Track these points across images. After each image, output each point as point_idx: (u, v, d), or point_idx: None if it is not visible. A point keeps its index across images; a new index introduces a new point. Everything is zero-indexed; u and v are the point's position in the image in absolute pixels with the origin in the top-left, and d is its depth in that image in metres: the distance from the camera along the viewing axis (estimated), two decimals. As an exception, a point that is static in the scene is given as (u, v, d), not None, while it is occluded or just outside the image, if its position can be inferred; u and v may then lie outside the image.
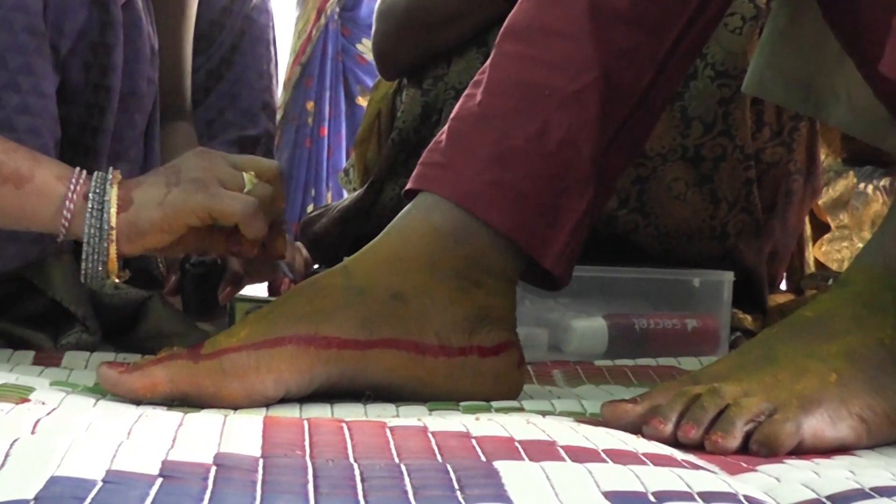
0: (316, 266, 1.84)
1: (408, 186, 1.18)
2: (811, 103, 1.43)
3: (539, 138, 1.14)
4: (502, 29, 1.21)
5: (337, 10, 4.13)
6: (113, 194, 1.16)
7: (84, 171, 1.19)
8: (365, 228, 1.76)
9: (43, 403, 0.98)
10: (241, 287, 1.48)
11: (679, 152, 1.69)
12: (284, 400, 1.06)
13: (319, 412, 1.05)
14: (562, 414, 1.07)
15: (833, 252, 2.01)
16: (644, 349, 1.57)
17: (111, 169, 1.19)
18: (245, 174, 1.19)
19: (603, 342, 1.56)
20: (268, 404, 1.05)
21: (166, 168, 1.21)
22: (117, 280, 1.19)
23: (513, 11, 1.22)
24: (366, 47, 4.14)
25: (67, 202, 1.17)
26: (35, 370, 1.20)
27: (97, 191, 1.16)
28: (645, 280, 1.64)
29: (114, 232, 1.15)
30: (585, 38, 1.16)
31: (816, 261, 1.99)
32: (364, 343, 1.08)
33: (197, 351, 1.05)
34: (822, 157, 2.04)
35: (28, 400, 0.99)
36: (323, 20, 4.12)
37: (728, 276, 1.63)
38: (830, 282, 1.41)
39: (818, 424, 0.94)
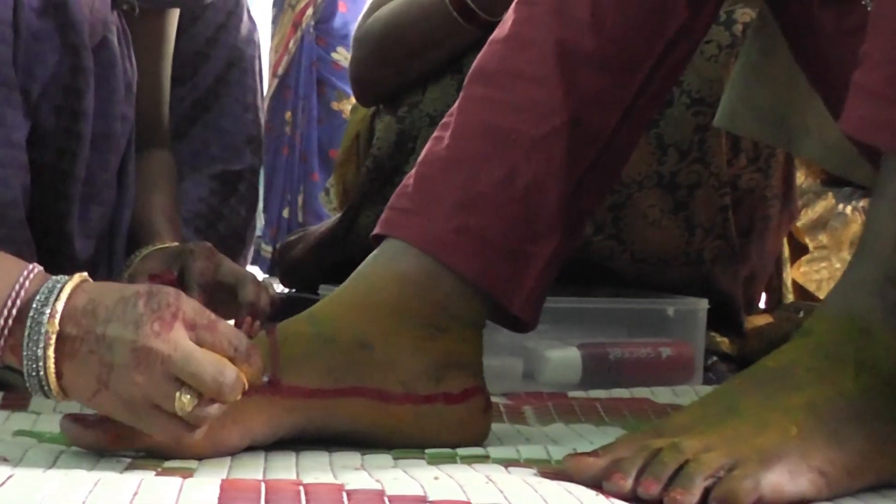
0: (292, 290, 1.87)
1: (375, 231, 1.19)
2: (783, 137, 1.46)
3: (506, 184, 1.15)
4: (470, 71, 1.23)
5: (312, 22, 4.23)
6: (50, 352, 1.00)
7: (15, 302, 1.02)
8: (340, 255, 1.79)
9: (5, 460, 1.00)
10: None
11: (655, 179, 1.71)
12: (250, 449, 1.07)
13: (284, 461, 1.06)
14: (527, 462, 1.08)
15: (812, 273, 2.04)
16: (618, 378, 1.59)
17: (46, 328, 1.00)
18: (185, 397, 0.99)
19: (577, 372, 1.58)
20: (232, 454, 1.06)
21: (101, 356, 1.00)
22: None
23: (481, 53, 1.23)
24: (341, 55, 4.27)
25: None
26: (2, 416, 1.21)
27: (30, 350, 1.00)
28: (620, 309, 1.66)
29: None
30: (553, 83, 1.18)
31: (795, 282, 2.01)
32: (330, 392, 1.09)
33: None
34: (802, 178, 2.07)
35: (-9, 456, 1.00)
36: (299, 33, 4.21)
37: (703, 304, 1.65)
38: (801, 314, 1.43)
39: (777, 479, 0.95)
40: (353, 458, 1.08)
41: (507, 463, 1.06)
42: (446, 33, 1.76)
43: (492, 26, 1.69)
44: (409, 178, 1.20)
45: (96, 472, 0.96)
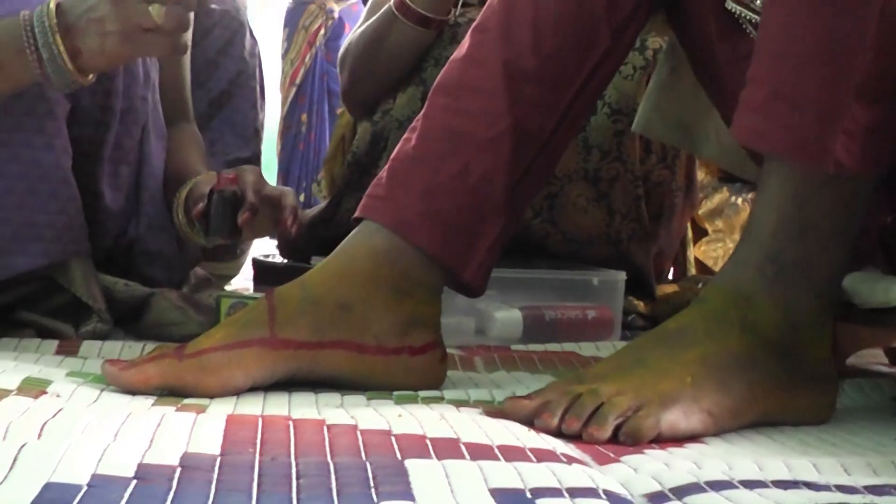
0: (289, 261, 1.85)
1: (356, 214, 1.17)
2: (687, 141, 1.44)
3: (461, 177, 1.14)
4: (434, 85, 1.21)
5: (324, 40, 4.20)
6: (61, 47, 1.20)
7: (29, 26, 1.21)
8: (328, 233, 1.76)
9: (58, 395, 0.99)
10: (256, 215, 1.40)
11: (581, 173, 1.70)
12: (252, 389, 1.07)
13: (279, 399, 1.05)
14: (475, 403, 1.08)
15: (710, 251, 2.02)
16: (553, 335, 1.56)
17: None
18: (153, 8, 1.18)
19: (519, 329, 1.55)
20: (238, 393, 1.06)
21: (94, 15, 1.20)
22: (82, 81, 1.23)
23: (442, 71, 1.21)
24: (342, 60, 4.23)
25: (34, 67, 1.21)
26: (56, 360, 1.20)
27: (45, 45, 1.20)
28: (554, 279, 1.63)
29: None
30: (499, 94, 1.16)
31: (696, 259, 2.00)
32: (316, 344, 1.09)
33: (181, 351, 1.05)
34: (702, 175, 2.05)
35: (45, 392, 0.99)
36: (314, 49, 4.19)
37: (621, 276, 1.63)
38: (700, 285, 1.42)
39: (674, 419, 0.96)
40: (334, 398, 1.07)
41: (459, 404, 1.06)
42: (402, 40, 1.72)
43: (436, 24, 1.69)
44: (383, 172, 1.18)
45: (128, 407, 0.96)
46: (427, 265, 1.14)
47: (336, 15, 4.24)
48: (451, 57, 1.22)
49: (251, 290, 1.55)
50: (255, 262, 1.89)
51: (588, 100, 1.21)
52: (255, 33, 1.88)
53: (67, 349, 1.28)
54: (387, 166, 1.18)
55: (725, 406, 0.99)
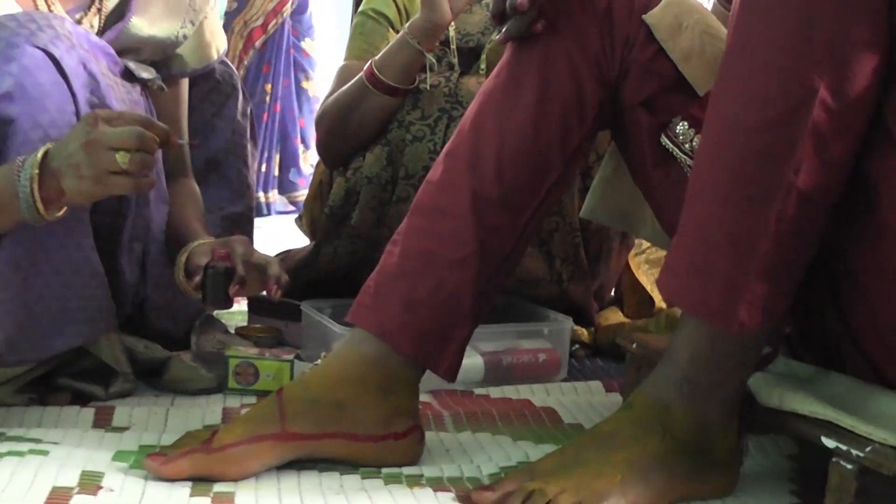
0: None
1: (348, 318, 1.39)
2: (628, 225, 1.65)
3: (434, 293, 1.36)
4: (413, 204, 1.42)
5: (290, 12, 4.28)
6: (36, 193, 1.36)
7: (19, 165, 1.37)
8: (310, 276, 1.99)
9: (111, 490, 1.23)
10: (244, 287, 1.60)
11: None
12: (268, 470, 1.31)
13: (290, 478, 1.30)
14: (449, 480, 1.32)
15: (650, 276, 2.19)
16: (509, 377, 1.79)
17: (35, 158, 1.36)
18: (119, 155, 1.34)
19: (480, 373, 1.77)
20: (256, 476, 1.29)
21: (71, 158, 1.35)
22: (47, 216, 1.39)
23: (419, 192, 1.42)
24: (307, 45, 4.34)
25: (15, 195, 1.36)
26: (98, 435, 1.43)
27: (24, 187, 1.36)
28: (512, 331, 1.85)
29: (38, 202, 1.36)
30: (466, 219, 1.37)
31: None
32: (318, 435, 1.32)
33: (209, 445, 1.28)
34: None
35: (101, 487, 1.23)
36: (279, 19, 4.26)
37: (568, 324, 1.86)
38: (635, 345, 1.62)
39: (606, 511, 1.21)
40: (334, 478, 1.31)
41: (436, 485, 1.30)
42: (372, 106, 1.92)
43: (402, 93, 1.91)
44: (370, 281, 1.40)
45: (169, 499, 1.21)
46: (407, 366, 1.37)
47: None
48: (427, 177, 1.43)
49: (254, 350, 1.73)
50: (250, 297, 2.09)
51: (542, 217, 1.43)
52: (246, 94, 2.02)
53: (103, 419, 1.51)
54: (374, 276, 1.40)
55: (648, 497, 1.23)
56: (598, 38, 1.40)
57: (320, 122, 2.01)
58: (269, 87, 4.28)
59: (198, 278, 1.59)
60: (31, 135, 1.38)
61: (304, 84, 4.39)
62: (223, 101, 1.94)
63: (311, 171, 4.59)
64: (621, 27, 1.41)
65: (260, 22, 4.29)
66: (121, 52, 1.60)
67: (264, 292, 1.60)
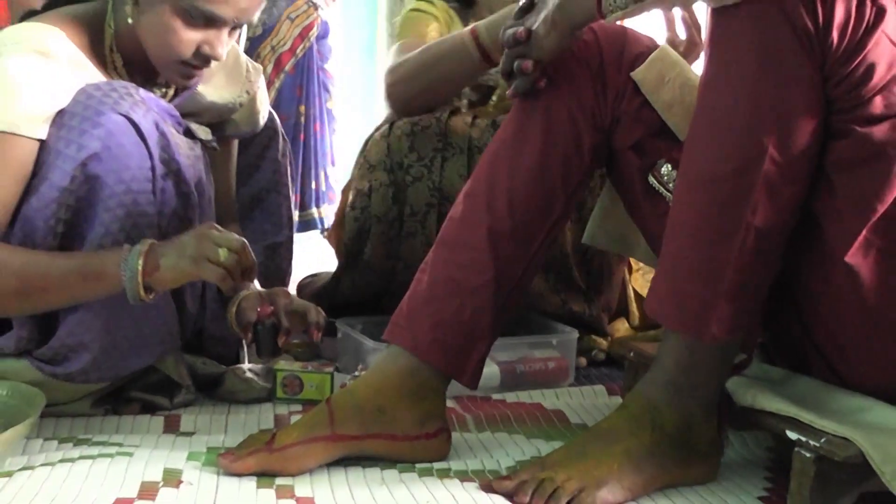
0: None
1: (385, 336, 1.64)
2: (624, 248, 1.87)
3: (458, 313, 1.61)
4: (438, 237, 1.66)
5: (315, 38, 4.51)
6: (140, 265, 1.58)
7: (127, 250, 1.59)
8: (333, 303, 2.23)
9: (191, 483, 1.48)
10: (290, 336, 1.86)
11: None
12: (321, 467, 1.55)
13: (338, 473, 1.54)
14: (473, 473, 1.56)
15: (644, 282, 2.42)
16: (522, 382, 2.03)
17: (142, 248, 1.58)
18: (221, 250, 1.59)
19: (497, 380, 2.01)
20: (311, 471, 1.54)
21: (180, 243, 1.60)
22: (145, 298, 1.60)
23: (443, 227, 1.66)
24: (329, 67, 4.58)
25: (121, 275, 1.58)
26: (170, 439, 1.68)
27: (130, 265, 1.58)
28: (525, 343, 2.08)
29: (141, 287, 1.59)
30: (484, 251, 1.61)
31: (634, 291, 2.40)
32: (362, 436, 1.56)
33: (271, 445, 1.52)
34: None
35: (182, 482, 1.47)
36: (307, 43, 4.50)
37: (574, 335, 2.10)
38: (632, 353, 1.86)
39: (604, 495, 1.44)
40: (375, 471, 1.55)
41: (462, 476, 1.55)
42: (466, 66, 2.13)
43: (488, 64, 2.13)
44: (404, 303, 1.64)
45: (240, 490, 1.46)
46: (436, 376, 1.61)
47: (322, 18, 4.56)
48: (450, 214, 1.67)
49: (297, 364, 1.94)
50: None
51: (549, 246, 1.67)
52: (285, 136, 2.21)
53: (172, 425, 1.76)
54: (406, 301, 1.64)
55: (640, 483, 1.47)
56: (592, 92, 1.64)
57: (396, 71, 2.20)
58: (303, 108, 4.51)
59: (250, 335, 1.84)
60: (116, 188, 1.62)
61: (329, 104, 4.65)
62: (266, 143, 2.16)
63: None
64: (612, 83, 1.65)
65: (287, 46, 4.51)
66: (184, 115, 1.83)
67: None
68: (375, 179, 2.19)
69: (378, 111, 5.69)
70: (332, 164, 4.72)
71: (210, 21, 1.69)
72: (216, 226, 1.65)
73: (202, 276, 1.60)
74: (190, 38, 1.70)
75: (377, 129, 2.29)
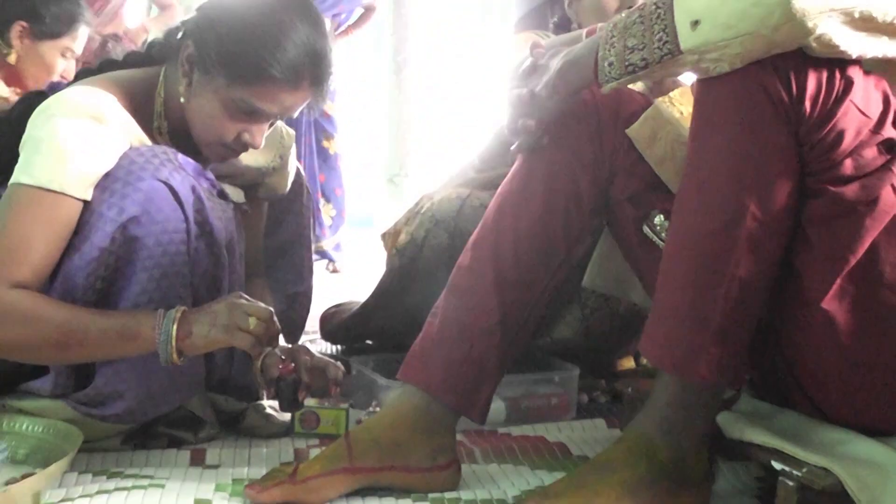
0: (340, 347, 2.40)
1: (399, 375, 1.76)
2: (622, 291, 2.01)
3: (468, 355, 1.73)
4: (448, 282, 1.78)
5: None
6: (174, 331, 1.68)
7: (162, 315, 1.69)
8: (361, 334, 2.37)
9: (220, 512, 1.61)
10: (309, 392, 1.98)
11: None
12: (340, 496, 1.68)
13: (357, 502, 1.67)
14: (481, 502, 1.69)
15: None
16: (526, 417, 2.15)
17: (175, 314, 1.69)
18: (251, 318, 1.70)
19: (503, 415, 2.14)
20: (332, 500, 1.66)
21: (213, 312, 1.70)
22: (177, 362, 1.70)
23: (453, 273, 1.78)
24: (328, 106, 4.74)
25: (156, 338, 1.69)
26: (197, 471, 1.80)
27: (165, 330, 1.68)
28: (529, 379, 2.20)
29: (174, 351, 1.70)
30: (491, 297, 1.74)
31: None
32: (379, 468, 1.68)
33: (294, 477, 1.64)
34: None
35: (212, 512, 1.61)
36: None
37: (575, 373, 2.22)
38: (630, 389, 2.00)
39: (604, 524, 1.58)
40: (390, 502, 1.67)
41: (472, 504, 1.68)
42: None
43: None
44: (416, 345, 1.77)
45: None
46: (447, 413, 1.74)
47: None
48: (458, 262, 1.79)
49: (314, 401, 2.05)
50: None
51: (552, 292, 1.80)
52: (309, 190, 2.33)
53: (198, 459, 1.88)
54: (419, 342, 1.77)
55: (636, 509, 1.60)
56: (590, 148, 1.78)
57: None
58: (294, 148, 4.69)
59: (273, 390, 1.96)
60: (154, 251, 1.73)
61: (325, 143, 4.82)
62: (292, 197, 2.27)
63: (332, 222, 5.01)
64: (609, 139, 1.79)
65: None
66: (219, 177, 1.95)
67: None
68: (434, 237, 2.29)
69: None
70: (328, 200, 4.88)
71: (255, 114, 1.82)
72: (244, 295, 1.76)
73: (233, 343, 1.71)
74: (233, 126, 1.82)
75: (453, 181, 2.38)
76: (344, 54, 5.01)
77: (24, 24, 2.99)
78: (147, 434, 1.96)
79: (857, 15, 1.42)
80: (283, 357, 1.97)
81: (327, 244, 5.02)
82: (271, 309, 1.76)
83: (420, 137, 7.31)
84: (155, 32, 4.58)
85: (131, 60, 1.96)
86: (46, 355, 1.74)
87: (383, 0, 5.79)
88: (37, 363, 1.80)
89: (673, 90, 1.97)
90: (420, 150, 7.28)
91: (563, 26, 2.70)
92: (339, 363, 2.00)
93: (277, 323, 1.76)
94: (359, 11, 5.25)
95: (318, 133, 4.79)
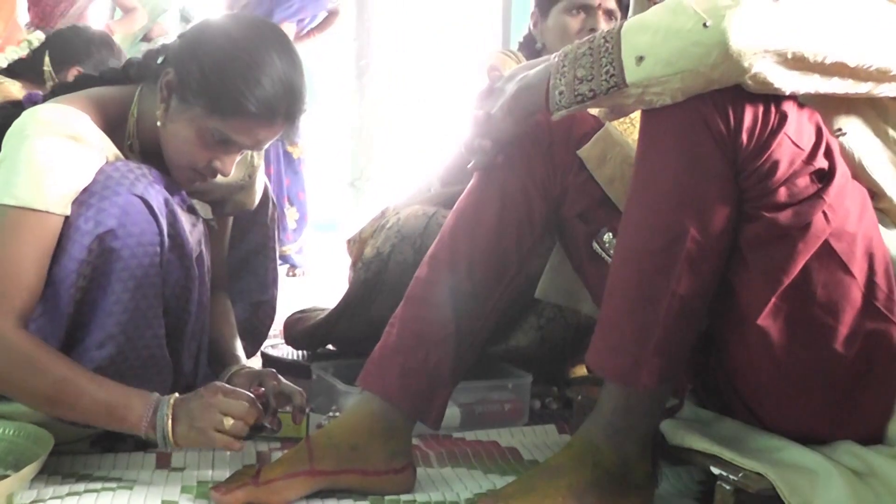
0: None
1: (357, 382, 1.84)
2: (573, 302, 2.10)
3: (423, 363, 1.82)
4: (406, 294, 1.86)
5: None
6: (168, 427, 1.75)
7: (152, 405, 1.75)
8: (325, 342, 2.44)
9: (188, 513, 1.69)
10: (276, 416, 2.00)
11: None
12: (301, 498, 1.76)
13: (317, 501, 1.76)
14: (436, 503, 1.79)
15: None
16: (480, 422, 2.23)
17: (167, 412, 1.75)
18: (225, 419, 1.74)
19: (457, 420, 2.22)
20: (292, 502, 1.75)
21: (189, 412, 1.75)
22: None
23: (410, 285, 1.86)
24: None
25: (144, 427, 1.75)
26: (164, 474, 1.88)
27: (160, 425, 1.75)
28: (483, 386, 2.29)
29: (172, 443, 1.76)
30: (446, 307, 1.83)
31: None
32: (337, 471, 1.76)
33: (257, 479, 1.72)
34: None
35: (178, 512, 1.69)
36: None
37: (528, 380, 2.31)
38: (580, 397, 2.09)
39: (552, 525, 1.67)
40: (347, 501, 1.77)
41: (426, 508, 1.77)
42: None
43: None
44: (375, 353, 1.84)
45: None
46: (403, 418, 1.82)
47: None
48: (417, 273, 1.87)
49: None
50: (264, 355, 2.56)
51: (505, 304, 1.88)
52: (274, 202, 2.39)
53: (164, 461, 1.95)
54: (377, 350, 1.85)
55: (581, 510, 1.69)
56: (543, 167, 1.87)
57: None
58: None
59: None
60: (129, 262, 1.80)
61: (290, 148, 4.90)
62: (258, 209, 2.33)
63: (296, 225, 5.09)
64: (561, 159, 1.89)
65: None
66: (190, 193, 2.00)
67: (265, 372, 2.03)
68: (400, 252, 2.37)
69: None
70: (292, 203, 4.96)
71: (228, 145, 1.88)
72: (223, 386, 1.80)
73: (209, 445, 1.77)
74: (206, 154, 1.88)
75: (420, 194, 2.46)
76: (306, 58, 5.09)
77: None
78: (114, 437, 2.02)
79: (790, 56, 1.52)
80: (251, 381, 2.02)
81: (290, 249, 5.10)
82: (250, 395, 1.81)
83: (382, 142, 7.38)
84: (119, 35, 4.65)
85: (108, 77, 2.02)
86: (33, 402, 1.78)
87: (346, 4, 5.85)
88: (20, 403, 1.83)
89: (633, 111, 2.06)
90: (382, 155, 7.36)
91: (528, 46, 2.81)
92: (302, 391, 2.04)
93: (259, 407, 1.82)
94: (322, 15, 5.34)
95: (282, 138, 4.87)
